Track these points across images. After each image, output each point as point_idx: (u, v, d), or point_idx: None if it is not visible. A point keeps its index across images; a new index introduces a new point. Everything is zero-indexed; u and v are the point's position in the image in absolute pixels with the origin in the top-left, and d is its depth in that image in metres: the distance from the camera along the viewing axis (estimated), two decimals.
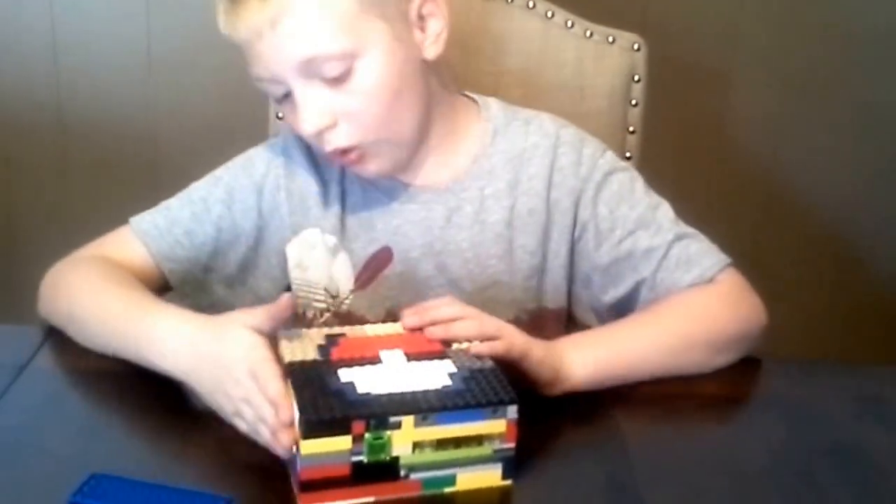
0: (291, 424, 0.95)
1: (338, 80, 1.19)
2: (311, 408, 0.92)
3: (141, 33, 2.16)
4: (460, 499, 0.96)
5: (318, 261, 1.31)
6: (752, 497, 1.01)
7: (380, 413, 0.91)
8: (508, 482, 0.97)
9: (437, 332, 1.05)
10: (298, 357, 1.01)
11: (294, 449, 0.94)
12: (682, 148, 2.18)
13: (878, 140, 2.27)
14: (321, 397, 0.94)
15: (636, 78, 1.57)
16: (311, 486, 0.92)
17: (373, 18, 1.19)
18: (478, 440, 0.95)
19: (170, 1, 2.11)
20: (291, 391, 0.95)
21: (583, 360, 1.14)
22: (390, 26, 1.20)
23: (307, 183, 1.31)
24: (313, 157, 1.32)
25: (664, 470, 1.05)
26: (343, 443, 0.91)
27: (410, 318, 1.07)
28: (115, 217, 1.31)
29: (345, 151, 1.23)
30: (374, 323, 1.29)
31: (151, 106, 2.21)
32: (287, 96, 1.21)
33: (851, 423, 1.15)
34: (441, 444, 0.94)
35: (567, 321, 1.37)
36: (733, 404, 1.20)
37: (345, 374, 0.98)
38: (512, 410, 0.94)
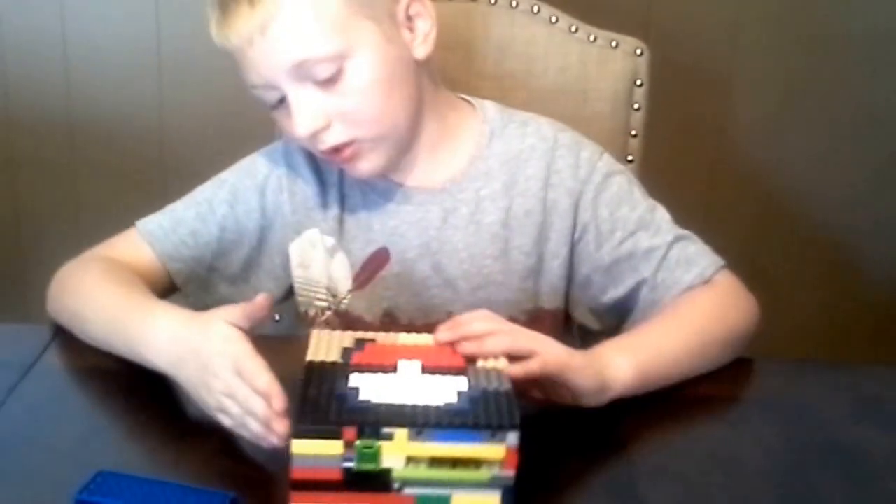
0: (286, 413, 0.95)
1: (330, 82, 1.18)
2: (309, 409, 0.91)
3: (150, 34, 2.15)
4: None
5: (319, 260, 1.32)
6: (749, 496, 1.01)
7: (372, 422, 0.90)
8: None
9: (469, 349, 1.02)
10: (320, 357, 1.01)
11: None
12: (683, 151, 2.18)
13: (875, 143, 2.25)
14: (322, 400, 0.93)
15: (638, 82, 1.56)
16: (302, 485, 0.90)
17: (361, 20, 1.19)
18: (475, 463, 0.90)
19: (179, 2, 2.12)
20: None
21: (626, 364, 1.12)
22: (379, 27, 1.20)
23: (308, 185, 1.32)
24: (314, 159, 1.32)
25: (662, 469, 1.05)
26: (334, 447, 0.89)
27: (444, 332, 1.05)
28: (124, 217, 1.31)
29: (338, 150, 1.22)
30: (371, 322, 1.30)
31: (160, 107, 2.20)
32: (281, 102, 1.21)
33: (847, 422, 1.15)
34: (436, 461, 0.90)
35: (564, 322, 1.36)
36: (730, 404, 1.19)
37: (354, 380, 0.96)
38: (512, 437, 0.90)
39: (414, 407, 0.92)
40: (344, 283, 1.30)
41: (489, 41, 1.55)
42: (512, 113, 1.35)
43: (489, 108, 1.35)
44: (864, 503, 1.01)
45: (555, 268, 1.32)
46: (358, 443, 0.89)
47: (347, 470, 0.90)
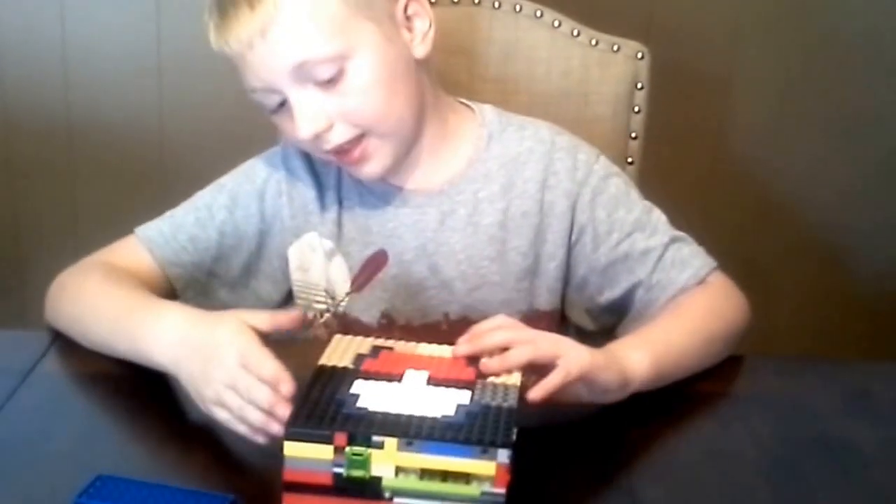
0: (293, 400, 0.95)
1: (331, 83, 1.18)
2: (304, 412, 0.91)
3: (151, 38, 2.12)
4: None
5: (317, 263, 1.31)
6: (741, 489, 1.01)
7: (363, 430, 0.89)
8: None
9: (493, 367, 1.00)
10: (332, 362, 1.00)
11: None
12: (683, 154, 2.17)
13: (870, 145, 2.25)
14: (321, 404, 0.93)
15: (639, 85, 1.55)
16: (294, 487, 0.90)
17: (361, 20, 1.18)
18: (465, 478, 0.89)
19: (180, 5, 2.09)
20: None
21: (642, 358, 1.11)
22: (378, 27, 1.19)
23: (306, 189, 1.31)
24: (312, 164, 1.31)
25: (657, 464, 1.06)
26: (325, 452, 0.89)
27: (462, 346, 1.04)
28: (124, 223, 1.30)
29: (345, 151, 1.22)
30: (369, 324, 1.30)
31: (160, 111, 2.17)
32: (281, 105, 1.20)
33: (838, 417, 1.15)
34: (426, 473, 0.89)
35: (560, 322, 1.35)
36: (723, 400, 1.19)
37: (356, 386, 0.96)
38: (503, 454, 0.88)
39: (409, 417, 0.92)
40: (342, 285, 1.29)
41: (492, 45, 1.54)
42: (510, 117, 1.35)
43: (487, 111, 1.34)
44: (853, 494, 1.02)
45: (551, 269, 1.31)
46: (347, 449, 0.89)
47: (338, 475, 0.89)
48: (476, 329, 1.06)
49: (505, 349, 1.03)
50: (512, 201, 1.30)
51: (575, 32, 1.54)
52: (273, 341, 1.03)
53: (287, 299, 1.35)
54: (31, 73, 2.16)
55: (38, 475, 0.99)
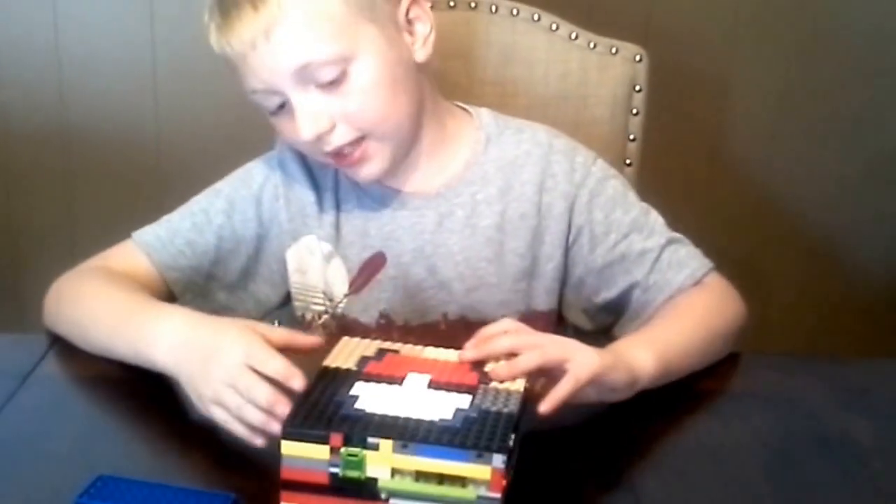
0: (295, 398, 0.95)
1: (333, 85, 1.17)
2: (302, 412, 0.91)
3: (145, 41, 2.10)
4: None
5: (315, 266, 1.30)
6: (740, 484, 1.01)
7: (359, 431, 0.89)
8: None
9: (502, 375, 1.00)
10: (336, 363, 1.00)
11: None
12: (681, 155, 2.16)
13: (866, 147, 2.26)
14: (320, 404, 0.92)
15: (637, 88, 1.55)
16: (291, 486, 0.90)
17: (363, 22, 1.18)
18: (461, 481, 0.88)
19: (174, 9, 2.08)
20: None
21: (647, 356, 1.11)
22: (380, 30, 1.19)
23: (304, 192, 1.30)
24: (309, 167, 1.30)
25: (657, 461, 1.06)
26: (321, 452, 0.89)
27: (469, 351, 1.03)
28: (121, 227, 1.29)
29: (344, 154, 1.21)
30: (368, 324, 1.29)
31: (157, 114, 2.16)
32: (282, 107, 1.19)
33: (836, 413, 1.15)
34: (421, 475, 0.89)
35: (557, 322, 1.35)
36: (722, 397, 1.19)
37: (357, 388, 0.96)
38: (498, 459, 0.87)
39: (406, 420, 0.91)
40: (340, 287, 1.29)
41: (491, 48, 1.53)
42: (508, 120, 1.34)
43: (485, 115, 1.33)
44: (851, 488, 1.02)
45: (549, 270, 1.31)
46: (343, 450, 0.89)
47: (334, 475, 0.89)
48: (482, 333, 1.05)
49: (511, 354, 1.02)
50: (509, 204, 1.30)
51: (573, 35, 1.54)
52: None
53: (285, 302, 1.35)
54: (26, 78, 2.14)
55: (38, 476, 0.98)
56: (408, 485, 0.89)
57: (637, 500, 0.99)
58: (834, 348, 2.29)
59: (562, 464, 1.02)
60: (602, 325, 1.34)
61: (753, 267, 2.07)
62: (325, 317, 1.27)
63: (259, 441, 0.99)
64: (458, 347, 1.04)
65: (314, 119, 1.18)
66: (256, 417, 0.98)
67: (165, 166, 2.18)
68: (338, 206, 1.30)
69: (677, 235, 1.31)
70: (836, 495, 1.01)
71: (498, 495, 0.88)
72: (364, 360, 1.02)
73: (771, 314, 2.01)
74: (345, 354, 1.03)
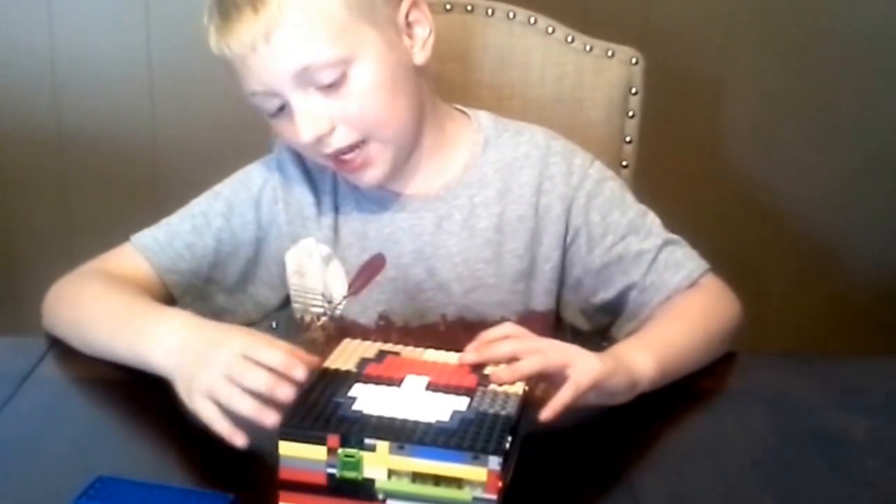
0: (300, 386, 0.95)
1: (332, 87, 1.16)
2: (300, 412, 0.91)
3: (141, 44, 2.08)
4: None
5: (314, 268, 1.30)
6: (736, 482, 1.01)
7: (356, 432, 0.88)
8: None
9: (504, 378, 0.99)
10: (336, 365, 1.00)
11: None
12: (677, 157, 2.16)
13: (861, 149, 2.26)
14: (318, 405, 0.92)
15: (633, 90, 1.54)
16: (289, 486, 0.90)
17: (363, 25, 1.17)
18: (457, 483, 0.88)
19: (170, 12, 2.06)
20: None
21: (646, 358, 1.11)
22: (380, 32, 1.18)
23: (303, 195, 1.29)
24: (308, 170, 1.29)
25: (654, 459, 1.06)
26: (318, 452, 0.88)
27: (469, 354, 1.02)
28: (117, 230, 1.28)
29: (345, 159, 1.20)
30: (367, 326, 1.29)
31: (152, 119, 2.14)
32: (281, 109, 1.18)
33: (830, 411, 1.15)
34: (418, 476, 0.88)
35: (555, 323, 1.34)
36: (719, 396, 1.19)
37: (355, 390, 0.95)
38: (493, 461, 0.87)
39: (403, 421, 0.91)
40: (339, 289, 1.28)
41: (487, 51, 1.53)
42: (506, 122, 1.33)
43: (483, 117, 1.33)
44: (845, 485, 1.02)
45: (546, 271, 1.30)
46: (340, 451, 0.88)
47: (331, 476, 0.89)
48: (483, 337, 1.04)
49: (512, 358, 1.01)
50: (508, 205, 1.29)
51: (569, 38, 1.53)
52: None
53: (285, 304, 1.34)
54: (21, 80, 2.12)
55: (37, 477, 0.97)
56: (404, 486, 0.89)
57: (636, 499, 0.99)
58: (829, 347, 2.29)
59: (560, 464, 1.02)
60: (599, 326, 1.33)
61: (749, 267, 2.07)
62: (323, 319, 1.27)
63: (240, 440, 0.97)
64: (458, 348, 1.04)
65: (314, 121, 1.17)
66: (247, 407, 0.97)
67: (162, 168, 2.16)
68: (336, 209, 1.30)
69: (674, 237, 1.30)
70: (831, 493, 1.00)
71: (494, 497, 0.88)
72: (364, 362, 1.01)
73: (767, 314, 2.01)
74: (345, 356, 1.02)
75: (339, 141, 1.19)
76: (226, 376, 0.98)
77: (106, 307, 1.17)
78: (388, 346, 1.06)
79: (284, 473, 0.90)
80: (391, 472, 0.89)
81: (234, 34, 1.15)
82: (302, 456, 0.89)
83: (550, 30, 1.53)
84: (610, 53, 1.54)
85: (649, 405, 1.11)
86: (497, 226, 1.29)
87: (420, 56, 1.23)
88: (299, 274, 1.31)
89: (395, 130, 1.21)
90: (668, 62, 1.93)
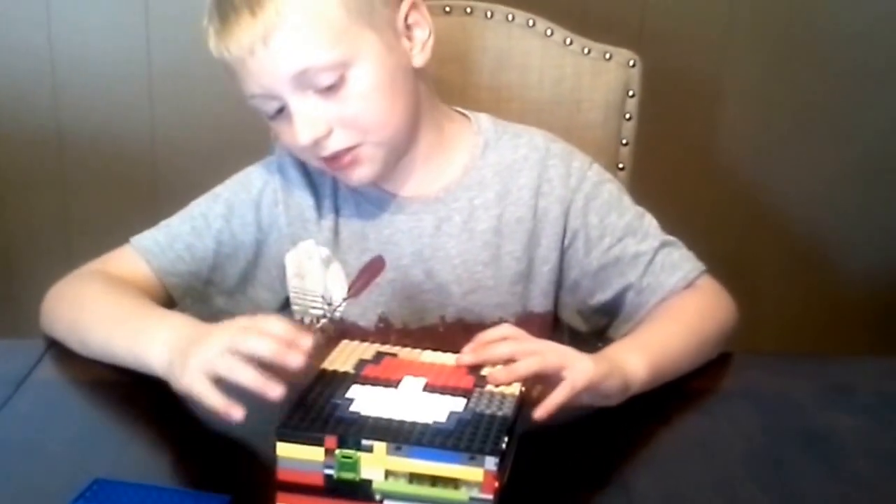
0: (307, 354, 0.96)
1: (331, 90, 1.16)
2: (298, 413, 0.91)
3: (141, 45, 2.07)
4: None
5: (314, 270, 1.29)
6: (727, 480, 1.01)
7: (353, 433, 0.88)
8: None
9: (501, 378, 0.99)
10: (334, 366, 1.00)
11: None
12: (673, 159, 2.16)
13: (856, 152, 2.26)
14: (315, 407, 0.92)
15: (631, 93, 1.53)
16: (287, 487, 0.90)
17: (362, 27, 1.16)
18: (454, 483, 0.88)
19: (170, 13, 2.05)
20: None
21: (639, 361, 1.11)
22: (379, 35, 1.18)
23: (303, 197, 1.29)
24: (308, 172, 1.29)
25: (647, 458, 1.06)
26: (316, 453, 0.88)
27: (467, 355, 1.02)
28: (116, 232, 1.28)
29: (337, 157, 1.19)
30: (366, 328, 1.28)
31: (152, 119, 2.13)
32: (280, 111, 1.18)
33: (821, 410, 1.15)
34: (415, 477, 0.88)
35: (553, 324, 1.34)
36: (711, 395, 1.19)
37: (353, 391, 0.95)
38: (490, 461, 0.87)
39: (401, 423, 0.91)
40: (339, 291, 1.27)
41: (486, 54, 1.52)
42: (505, 125, 1.33)
43: (483, 119, 1.32)
44: (835, 482, 1.02)
45: (544, 273, 1.30)
46: (337, 452, 0.88)
47: (328, 477, 0.89)
48: (481, 338, 1.04)
49: (509, 359, 1.01)
50: (506, 208, 1.29)
51: (567, 41, 1.53)
52: None
53: (284, 306, 1.33)
54: (20, 82, 2.11)
55: (34, 480, 0.97)
56: (401, 486, 0.89)
57: (629, 498, 0.99)
58: (823, 347, 2.30)
59: (555, 464, 1.02)
60: (597, 327, 1.33)
61: (744, 268, 2.07)
62: (323, 321, 1.26)
63: (237, 414, 0.96)
64: (456, 349, 1.04)
65: (312, 124, 1.16)
66: (251, 377, 0.95)
67: (161, 169, 2.15)
68: (336, 211, 1.29)
69: (671, 238, 1.30)
70: (823, 491, 1.00)
71: (490, 497, 0.88)
72: (362, 364, 1.01)
73: (761, 315, 2.00)
74: (343, 357, 1.02)
75: (335, 144, 1.18)
76: (228, 349, 0.97)
77: (105, 309, 1.17)
78: (386, 348, 1.05)
79: (282, 474, 0.90)
80: (388, 473, 0.89)
81: (233, 37, 1.14)
82: (299, 457, 0.89)
83: (549, 32, 1.53)
84: (608, 56, 1.53)
85: (643, 405, 1.11)
86: (496, 228, 1.29)
87: (419, 58, 1.23)
88: (299, 276, 1.30)
89: (391, 132, 1.21)
90: (665, 65, 1.93)
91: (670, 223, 1.32)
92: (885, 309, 2.35)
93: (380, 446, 0.88)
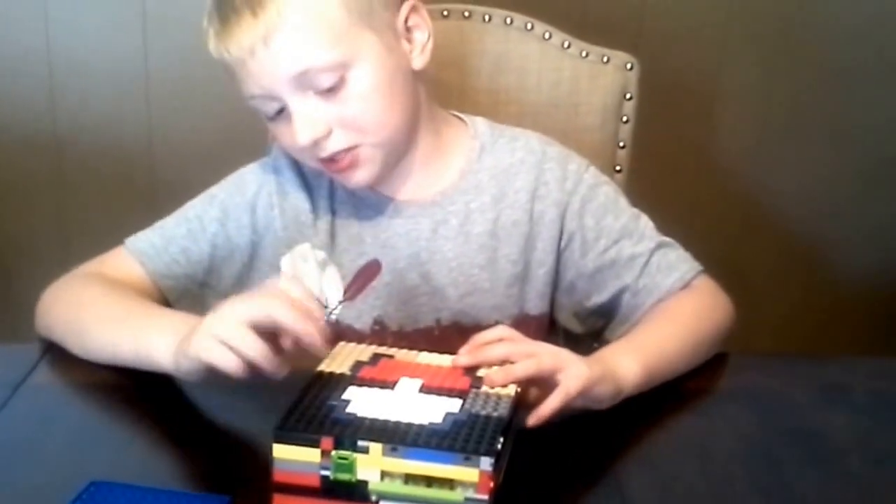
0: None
1: (331, 91, 1.15)
2: (294, 415, 0.91)
3: (138, 50, 2.06)
4: None
5: (310, 273, 1.28)
6: (722, 479, 1.02)
7: (349, 435, 0.88)
8: None
9: (497, 380, 0.99)
10: (331, 368, 1.00)
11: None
12: (670, 162, 2.16)
13: (851, 155, 2.26)
14: (311, 408, 0.92)
15: (628, 96, 1.53)
16: (283, 488, 0.89)
17: (363, 29, 1.16)
18: (449, 484, 0.88)
19: (166, 17, 2.04)
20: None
21: (632, 364, 1.10)
22: (379, 36, 1.17)
23: (299, 200, 1.28)
24: (304, 175, 1.29)
25: (642, 458, 1.06)
26: (312, 455, 0.88)
27: (463, 357, 1.02)
28: (112, 236, 1.27)
29: (335, 160, 1.19)
30: (362, 330, 1.28)
31: (149, 122, 2.12)
32: (280, 112, 1.18)
33: (815, 409, 1.15)
34: (410, 478, 0.88)
35: (549, 326, 1.34)
36: (706, 396, 1.19)
37: (349, 392, 0.95)
38: (485, 462, 0.87)
39: (397, 424, 0.91)
40: (335, 294, 1.27)
41: (484, 57, 1.52)
42: (502, 128, 1.33)
43: (479, 123, 1.32)
44: (830, 483, 1.02)
45: (541, 275, 1.30)
46: (334, 453, 0.88)
47: (325, 478, 0.89)
48: (477, 340, 1.04)
49: (505, 360, 1.01)
50: (503, 211, 1.29)
51: (565, 44, 1.53)
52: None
53: None
54: (17, 85, 2.10)
55: (31, 482, 0.96)
56: (397, 487, 0.89)
57: (623, 498, 0.98)
58: (819, 347, 2.31)
59: (550, 464, 1.02)
60: (593, 328, 1.33)
61: (739, 269, 2.06)
62: (334, 309, 1.25)
63: (276, 367, 0.99)
64: (452, 351, 1.04)
65: (311, 125, 1.16)
66: (259, 350, 0.97)
67: (158, 173, 2.15)
68: (333, 214, 1.29)
69: (667, 240, 1.30)
70: (816, 491, 1.00)
71: (485, 497, 0.88)
72: (358, 365, 1.01)
73: (757, 316, 2.00)
74: (340, 359, 1.02)
75: (334, 145, 1.18)
76: (245, 319, 0.98)
77: (107, 308, 1.16)
78: (383, 350, 1.05)
79: (278, 476, 0.90)
80: (384, 474, 0.89)
81: (234, 38, 1.14)
82: (295, 458, 0.89)
83: (547, 35, 1.52)
84: (605, 59, 1.53)
85: (639, 406, 1.11)
86: (492, 231, 1.28)
87: (419, 61, 1.23)
88: (295, 279, 1.29)
89: (389, 134, 1.21)
90: (662, 68, 1.94)
91: (667, 225, 1.32)
92: (881, 308, 2.36)
93: (375, 447, 0.88)
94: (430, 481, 0.88)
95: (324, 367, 1.00)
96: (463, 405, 0.95)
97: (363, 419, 0.91)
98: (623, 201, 1.31)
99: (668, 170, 2.15)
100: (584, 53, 1.53)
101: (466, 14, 1.52)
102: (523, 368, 1.00)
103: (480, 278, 1.29)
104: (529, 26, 1.52)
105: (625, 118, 1.55)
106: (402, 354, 1.05)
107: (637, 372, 1.10)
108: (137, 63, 2.08)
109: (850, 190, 2.28)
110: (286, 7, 1.13)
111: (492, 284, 1.29)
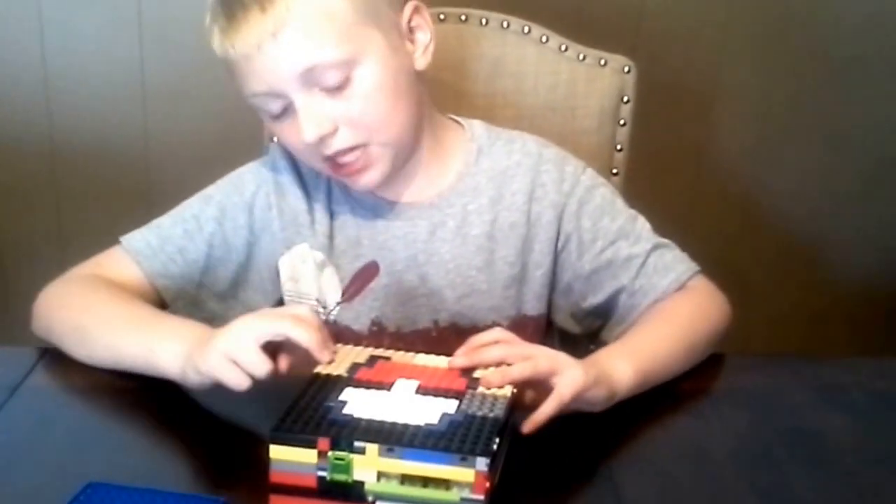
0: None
1: (337, 89, 1.15)
2: (291, 416, 0.91)
3: (133, 55, 2.05)
4: None
5: (309, 274, 1.29)
6: (718, 480, 1.02)
7: (346, 435, 0.88)
8: None
9: (494, 382, 0.99)
10: (328, 370, 1.00)
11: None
12: (667, 165, 2.16)
13: (851, 157, 2.26)
14: (308, 409, 0.92)
15: (625, 99, 1.53)
16: (280, 489, 0.90)
17: (369, 27, 1.16)
18: (445, 484, 0.88)
19: (163, 24, 2.01)
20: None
21: (626, 367, 1.10)
22: (384, 35, 1.17)
23: (297, 201, 1.28)
24: (301, 176, 1.28)
25: (638, 459, 1.06)
26: (309, 455, 0.89)
27: (459, 358, 1.03)
28: (108, 242, 1.27)
29: (344, 163, 1.19)
30: (360, 331, 1.28)
31: (145, 129, 2.11)
32: (284, 111, 1.17)
33: (811, 410, 1.15)
34: (407, 479, 0.88)
35: (546, 327, 1.34)
36: (703, 397, 1.18)
37: (346, 394, 0.95)
38: (481, 462, 0.87)
39: (393, 425, 0.91)
40: (333, 295, 1.27)
41: (481, 60, 1.52)
42: (499, 131, 1.33)
43: (476, 126, 1.32)
44: (827, 484, 1.02)
45: (538, 277, 1.30)
46: (330, 454, 0.89)
47: (321, 478, 0.89)
48: (474, 342, 1.05)
49: (501, 362, 1.02)
50: (500, 213, 1.29)
51: (562, 47, 1.53)
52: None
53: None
54: (12, 89, 2.09)
55: (28, 484, 0.96)
56: (394, 488, 0.89)
57: (618, 499, 0.98)
58: (815, 347, 2.31)
59: (545, 464, 1.02)
60: (589, 329, 1.33)
61: (736, 271, 2.05)
62: (332, 309, 1.25)
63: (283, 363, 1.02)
64: (449, 353, 1.04)
65: (317, 121, 1.15)
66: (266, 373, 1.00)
67: (154, 177, 2.14)
68: (331, 216, 1.29)
69: (664, 241, 1.30)
70: (813, 492, 1.00)
71: (481, 497, 0.88)
72: (355, 367, 1.02)
73: (753, 317, 2.00)
74: (337, 361, 1.02)
75: (340, 142, 1.18)
76: (256, 340, 1.01)
77: (113, 314, 1.16)
78: (380, 352, 1.06)
79: (275, 476, 0.90)
80: (380, 475, 0.89)
81: (240, 34, 1.13)
82: (292, 459, 0.89)
83: (544, 39, 1.52)
84: (602, 62, 1.53)
85: (635, 407, 1.11)
86: (489, 233, 1.28)
87: (421, 61, 1.23)
88: (293, 280, 1.29)
89: (396, 133, 1.21)
90: (661, 68, 1.94)
91: (666, 225, 1.32)
92: (880, 308, 2.36)
93: (372, 448, 0.88)
94: (426, 482, 0.88)
95: (321, 368, 1.01)
96: (459, 406, 0.95)
97: (360, 420, 0.92)
98: (620, 203, 1.31)
99: (667, 170, 2.15)
100: (581, 56, 1.53)
101: (463, 17, 1.52)
102: (519, 370, 1.00)
103: (478, 280, 1.29)
104: (526, 30, 1.52)
105: (622, 121, 1.55)
106: (398, 356, 1.05)
107: (631, 375, 1.10)
108: (133, 65, 2.07)
109: (848, 190, 2.28)
110: (295, 3, 1.12)
111: (489, 286, 1.29)
